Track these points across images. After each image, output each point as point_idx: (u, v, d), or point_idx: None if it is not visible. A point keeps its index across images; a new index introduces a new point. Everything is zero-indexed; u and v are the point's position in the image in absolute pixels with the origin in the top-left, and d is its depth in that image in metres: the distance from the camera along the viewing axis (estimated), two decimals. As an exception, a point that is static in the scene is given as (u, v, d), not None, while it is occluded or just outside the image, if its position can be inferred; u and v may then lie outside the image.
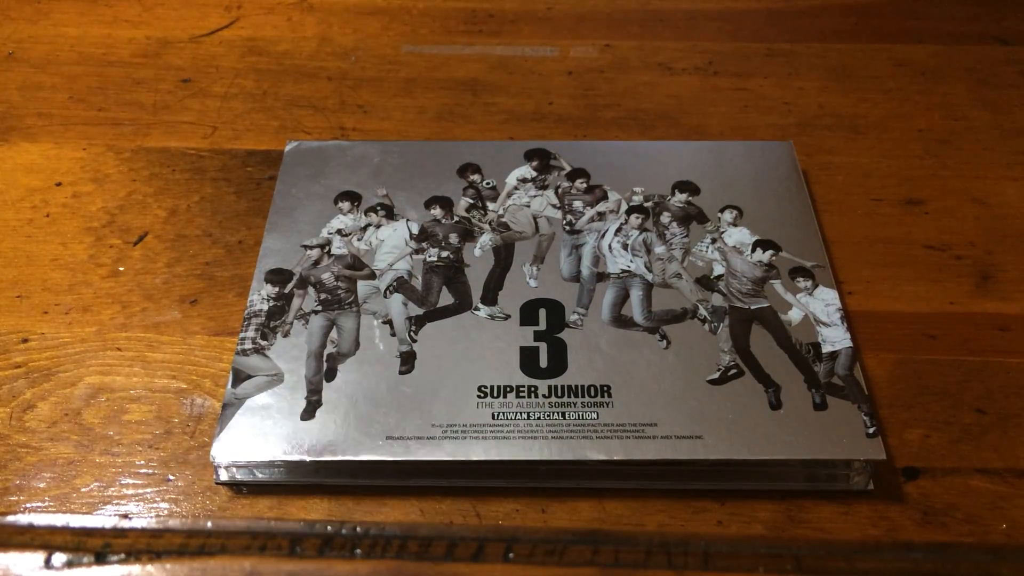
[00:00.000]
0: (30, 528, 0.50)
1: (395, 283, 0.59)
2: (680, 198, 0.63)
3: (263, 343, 0.55)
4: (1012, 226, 0.65)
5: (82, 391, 0.56)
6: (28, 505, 0.51)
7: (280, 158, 0.67)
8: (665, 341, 0.55)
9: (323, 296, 0.58)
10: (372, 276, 0.59)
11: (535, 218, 0.63)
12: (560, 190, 0.64)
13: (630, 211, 0.62)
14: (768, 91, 0.76)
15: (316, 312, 0.57)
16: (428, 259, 0.60)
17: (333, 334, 0.56)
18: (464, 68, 0.79)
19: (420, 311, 0.57)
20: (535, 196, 0.64)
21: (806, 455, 0.50)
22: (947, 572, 0.48)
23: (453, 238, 0.61)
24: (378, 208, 0.63)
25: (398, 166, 0.66)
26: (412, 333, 0.56)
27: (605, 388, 0.53)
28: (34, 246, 0.64)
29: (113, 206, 0.67)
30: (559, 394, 0.52)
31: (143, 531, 0.50)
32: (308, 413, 0.52)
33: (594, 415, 0.51)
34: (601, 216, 0.63)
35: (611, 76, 0.78)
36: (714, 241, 0.61)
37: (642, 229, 0.62)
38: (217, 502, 0.51)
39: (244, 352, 0.55)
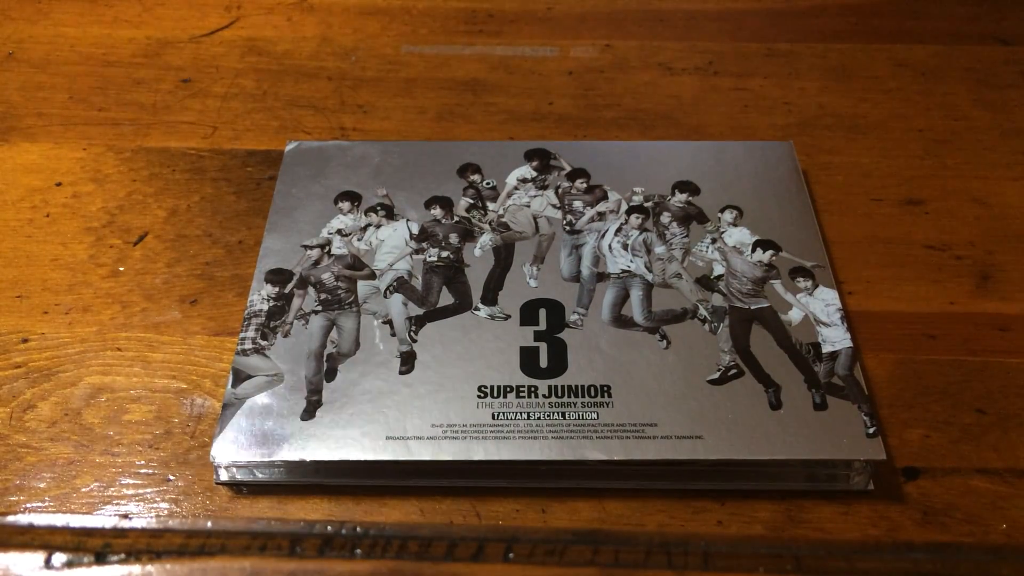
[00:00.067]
0: (30, 528, 0.50)
1: (395, 283, 0.59)
2: (680, 198, 0.63)
3: (263, 343, 0.55)
4: (1012, 226, 0.65)
5: (82, 391, 0.56)
6: (28, 505, 0.51)
7: (280, 158, 0.67)
8: (665, 341, 0.55)
9: (323, 296, 0.58)
10: (372, 276, 0.59)
11: (535, 218, 0.63)
12: (560, 190, 0.64)
13: (630, 211, 0.62)
14: (768, 91, 0.76)
15: (316, 312, 0.57)
16: (428, 259, 0.60)
17: (333, 334, 0.56)
18: (464, 68, 0.79)
19: (420, 311, 0.57)
20: (535, 196, 0.64)
21: (806, 455, 0.50)
22: (947, 572, 0.48)
23: (453, 238, 0.61)
24: (378, 208, 0.63)
25: (398, 166, 0.66)
26: (412, 333, 0.56)
27: (605, 388, 0.53)
28: (34, 246, 0.64)
29: (113, 206, 0.67)
30: (559, 394, 0.52)
31: (143, 531, 0.50)
32: (308, 413, 0.52)
33: (594, 415, 0.51)
34: (601, 216, 0.63)
35: (611, 76, 0.78)
36: (714, 241, 0.61)
37: (642, 229, 0.62)
38: (217, 502, 0.51)
39: (244, 352, 0.55)
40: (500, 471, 0.51)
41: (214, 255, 0.63)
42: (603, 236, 0.61)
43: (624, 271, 0.59)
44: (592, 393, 0.52)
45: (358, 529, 0.49)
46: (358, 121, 0.74)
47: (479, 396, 0.52)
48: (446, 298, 0.58)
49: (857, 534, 0.49)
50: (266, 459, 0.50)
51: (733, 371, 0.54)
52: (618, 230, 0.62)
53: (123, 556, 0.49)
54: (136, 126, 0.73)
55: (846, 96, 0.76)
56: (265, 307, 0.57)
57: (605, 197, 0.64)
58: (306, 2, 0.86)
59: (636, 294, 0.58)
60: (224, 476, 0.51)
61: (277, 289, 0.58)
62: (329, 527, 0.50)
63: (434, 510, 0.50)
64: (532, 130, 0.73)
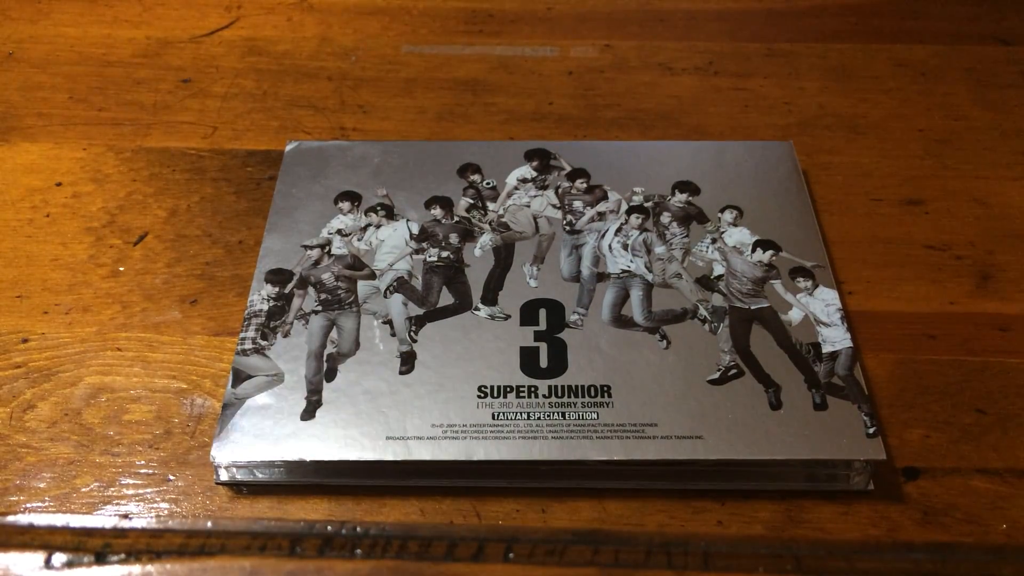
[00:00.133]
0: (30, 528, 0.50)
1: (395, 283, 0.59)
2: (680, 198, 0.63)
3: (263, 343, 0.55)
4: (1012, 226, 0.65)
5: (82, 391, 0.56)
6: (28, 505, 0.51)
7: (280, 158, 0.67)
8: (665, 341, 0.55)
9: (323, 296, 0.58)
10: (372, 276, 0.59)
11: (535, 218, 0.63)
12: (560, 190, 0.64)
13: (630, 211, 0.62)
14: (768, 91, 0.76)
15: (316, 312, 0.57)
16: (428, 259, 0.60)
17: (333, 334, 0.56)
18: (464, 68, 0.79)
19: (420, 311, 0.57)
20: (535, 196, 0.64)
21: (806, 455, 0.50)
22: (947, 572, 0.48)
23: (453, 238, 0.61)
24: (378, 208, 0.63)
25: (398, 166, 0.66)
26: (412, 333, 0.56)
27: (605, 388, 0.53)
28: (34, 246, 0.64)
29: (113, 206, 0.67)
30: (559, 394, 0.52)
31: (143, 531, 0.50)
32: (308, 413, 0.52)
33: (594, 415, 0.51)
34: (601, 216, 0.63)
35: (611, 76, 0.78)
36: (714, 241, 0.61)
37: (642, 229, 0.62)
38: (217, 502, 0.51)
39: (244, 352, 0.55)
40: (500, 471, 0.51)
41: (214, 255, 0.63)
42: (603, 236, 0.61)
43: (624, 271, 0.59)
44: (592, 393, 0.52)
45: (358, 529, 0.49)
46: (358, 121, 0.74)
47: (479, 396, 0.52)
48: (446, 298, 0.58)
49: (857, 534, 0.49)
50: (266, 459, 0.50)
51: (733, 371, 0.54)
52: (618, 230, 0.62)
53: (123, 556, 0.49)
54: (136, 126, 0.73)
55: (846, 96, 0.76)
56: (265, 307, 0.57)
57: (605, 197, 0.64)
58: (306, 2, 0.86)
59: (636, 294, 0.58)
60: (224, 476, 0.51)
61: (277, 289, 0.58)
62: (329, 527, 0.50)
63: (434, 510, 0.50)
64: (532, 130, 0.73)
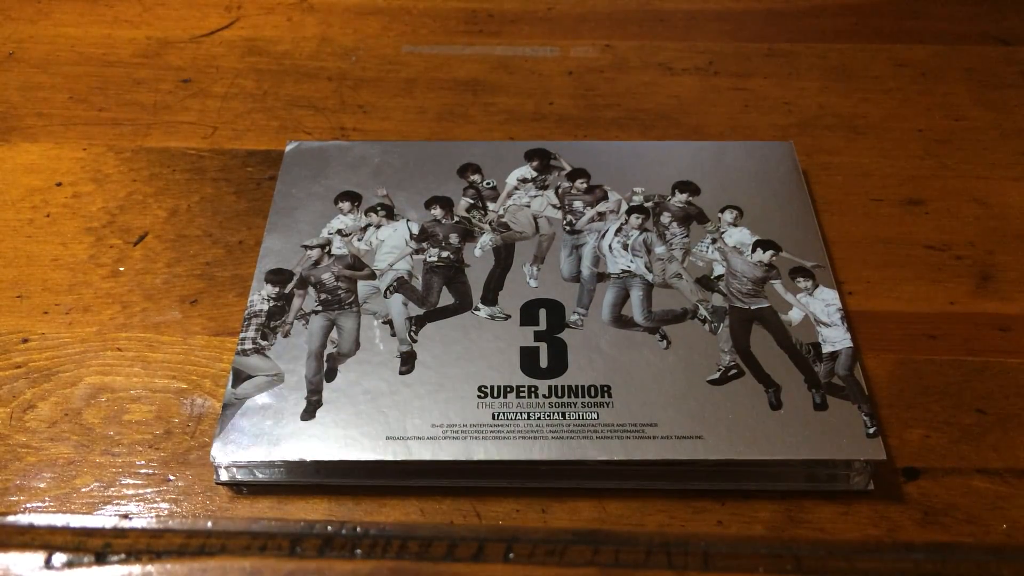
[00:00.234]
0: (30, 528, 0.50)
1: (395, 283, 0.59)
2: (680, 198, 0.63)
3: (263, 343, 0.55)
4: (1012, 226, 0.65)
5: (82, 391, 0.56)
6: (28, 505, 0.51)
7: (280, 158, 0.67)
8: (665, 341, 0.55)
9: (323, 296, 0.58)
10: (372, 276, 0.59)
11: (535, 218, 0.63)
12: (560, 190, 0.64)
13: (630, 211, 0.62)
14: (768, 91, 0.76)
15: (316, 312, 0.57)
16: (428, 259, 0.60)
17: (333, 334, 0.56)
18: (464, 68, 0.79)
19: (420, 311, 0.57)
20: (535, 196, 0.64)
21: (806, 455, 0.50)
22: (947, 572, 0.48)
23: (453, 238, 0.61)
24: (378, 208, 0.63)
25: (398, 166, 0.66)
26: (412, 333, 0.56)
27: (605, 388, 0.53)
28: (34, 246, 0.64)
29: (113, 206, 0.67)
30: (559, 394, 0.52)
31: (143, 531, 0.50)
32: (308, 413, 0.52)
33: (594, 415, 0.51)
34: (601, 216, 0.63)
35: (611, 76, 0.78)
36: (714, 241, 0.61)
37: (642, 229, 0.62)
38: (217, 502, 0.51)
39: (244, 352, 0.55)
40: (500, 471, 0.51)
41: (214, 255, 0.63)
42: (603, 236, 0.61)
43: (624, 271, 0.59)
44: (592, 393, 0.52)
45: (358, 529, 0.49)
46: (358, 121, 0.74)
47: (479, 396, 0.52)
48: (446, 298, 0.58)
49: (857, 534, 0.49)
50: (266, 459, 0.50)
51: (733, 371, 0.54)
52: (618, 230, 0.62)
53: (123, 556, 0.49)
54: (136, 126, 0.73)
55: (846, 96, 0.76)
56: (265, 307, 0.57)
57: (605, 197, 0.64)
58: (306, 2, 0.86)
59: (636, 294, 0.58)
60: (224, 476, 0.51)
61: (277, 289, 0.58)
62: (329, 527, 0.50)
63: (434, 510, 0.50)
64: (532, 130, 0.73)
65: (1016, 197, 0.67)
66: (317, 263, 0.60)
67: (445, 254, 0.60)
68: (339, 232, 0.62)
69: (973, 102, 0.75)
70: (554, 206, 0.64)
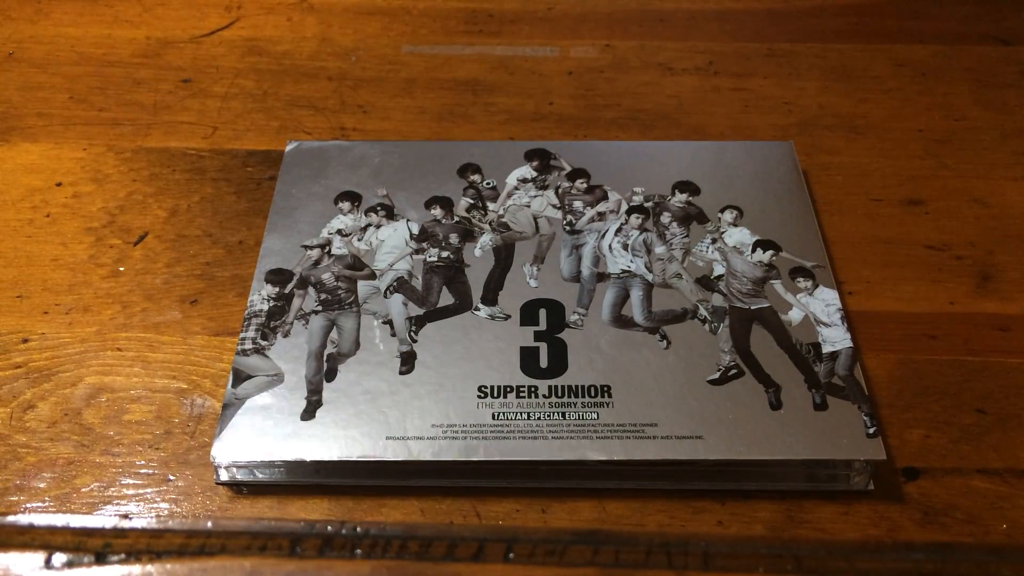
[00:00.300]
0: (30, 528, 0.50)
1: (395, 283, 0.59)
2: (680, 198, 0.63)
3: (263, 343, 0.55)
4: (1012, 226, 0.65)
5: (82, 391, 0.56)
6: (28, 505, 0.51)
7: (280, 158, 0.67)
8: (665, 341, 0.55)
9: (323, 296, 0.58)
10: (372, 276, 0.59)
11: (535, 218, 0.63)
12: (560, 190, 0.64)
13: (630, 211, 0.62)
14: (768, 91, 0.76)
15: (316, 312, 0.57)
16: (428, 259, 0.60)
17: (333, 334, 0.56)
18: (464, 68, 0.79)
19: (420, 311, 0.57)
20: (535, 196, 0.64)
21: (806, 455, 0.50)
22: (947, 572, 0.48)
23: (453, 238, 0.61)
24: (378, 208, 0.63)
25: (398, 166, 0.66)
26: (412, 333, 0.56)
27: (605, 388, 0.53)
28: (34, 246, 0.64)
29: (113, 206, 0.67)
30: (559, 394, 0.52)
31: (143, 531, 0.50)
32: (308, 413, 0.52)
33: (594, 415, 0.51)
34: (601, 216, 0.63)
35: (611, 76, 0.78)
36: (714, 241, 0.61)
37: (642, 229, 0.62)
38: (217, 502, 0.51)
39: (244, 352, 0.55)
40: (500, 471, 0.51)
41: (214, 255, 0.63)
42: (603, 236, 0.61)
43: (624, 271, 0.59)
44: (592, 393, 0.52)
45: (358, 529, 0.49)
46: (358, 121, 0.74)
47: (479, 396, 0.52)
48: (446, 298, 0.58)
49: (857, 534, 0.49)
50: (266, 459, 0.50)
51: (733, 371, 0.54)
52: (618, 230, 0.62)
53: (123, 556, 0.49)
54: (136, 126, 0.73)
55: (846, 96, 0.76)
56: (265, 307, 0.57)
57: (605, 197, 0.64)
58: (306, 2, 0.86)
59: (636, 294, 0.58)
60: (224, 476, 0.51)
61: (277, 289, 0.58)
62: (329, 527, 0.50)
63: (434, 510, 0.50)
64: (532, 130, 0.73)
65: (1016, 197, 0.67)
66: (317, 263, 0.60)
67: (445, 254, 0.60)
68: (339, 232, 0.62)
69: (973, 102, 0.75)
70: (554, 206, 0.64)
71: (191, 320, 0.59)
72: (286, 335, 0.56)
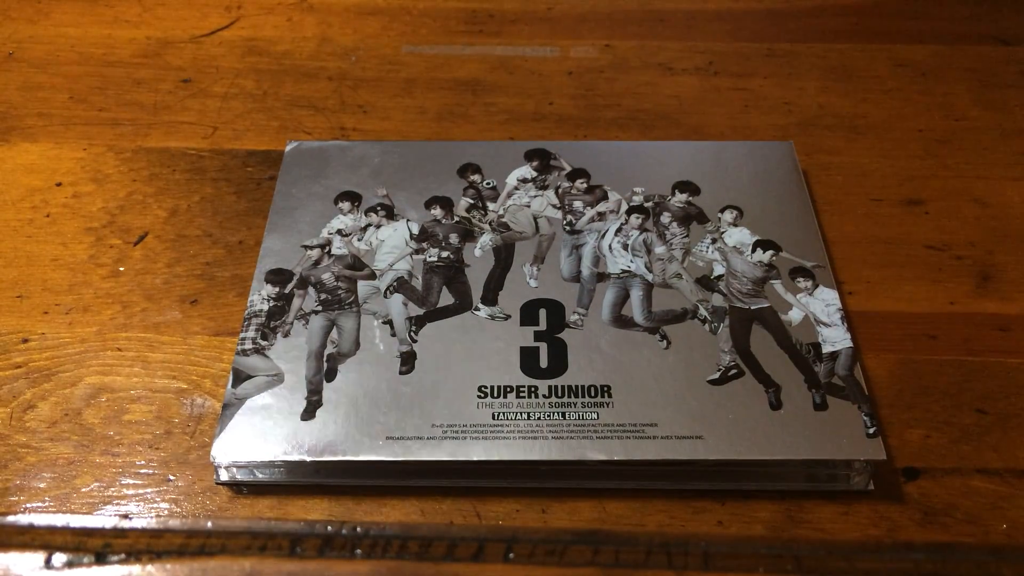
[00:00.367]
0: (30, 528, 0.50)
1: (395, 283, 0.59)
2: (680, 198, 0.63)
3: (263, 343, 0.55)
4: (1012, 226, 0.65)
5: (82, 391, 0.56)
6: (28, 505, 0.51)
7: (280, 158, 0.67)
8: (665, 341, 0.55)
9: (323, 296, 0.58)
10: (372, 276, 0.59)
11: (535, 218, 0.63)
12: (560, 190, 0.64)
13: (630, 211, 0.62)
14: (768, 91, 0.76)
15: (316, 312, 0.57)
16: (428, 259, 0.60)
17: (333, 334, 0.56)
18: (464, 68, 0.79)
19: (420, 311, 0.57)
20: (535, 196, 0.64)
21: (806, 455, 0.50)
22: (947, 572, 0.48)
23: (453, 238, 0.61)
24: (378, 208, 0.63)
25: (398, 166, 0.66)
26: (412, 333, 0.56)
27: (605, 388, 0.53)
28: (34, 246, 0.64)
29: (113, 206, 0.67)
30: (559, 394, 0.52)
31: (143, 531, 0.50)
32: (308, 413, 0.52)
33: (594, 415, 0.51)
34: (601, 216, 0.63)
35: (611, 76, 0.78)
36: (714, 241, 0.61)
37: (642, 229, 0.62)
38: (217, 502, 0.51)
39: (244, 352, 0.55)
40: (500, 471, 0.51)
41: (214, 255, 0.63)
42: (603, 236, 0.61)
43: (624, 271, 0.59)
44: (592, 393, 0.52)
45: (358, 529, 0.49)
46: (358, 121, 0.74)
47: (479, 396, 0.52)
48: (446, 298, 0.58)
49: (857, 534, 0.49)
50: (266, 459, 0.50)
51: (733, 371, 0.54)
52: (618, 230, 0.62)
53: (123, 556, 0.49)
54: (136, 126, 0.73)
55: (846, 96, 0.76)
56: (265, 307, 0.57)
57: (605, 197, 0.64)
58: (306, 2, 0.86)
59: (636, 294, 0.58)
60: (224, 476, 0.51)
61: (277, 289, 0.58)
62: (329, 527, 0.50)
63: (434, 510, 0.50)
64: (532, 130, 0.73)
65: (1016, 197, 0.67)
66: (317, 263, 0.60)
67: (445, 254, 0.60)
68: (339, 232, 0.62)
69: (973, 102, 0.75)
70: (554, 206, 0.64)
71: (191, 320, 0.59)
72: (286, 335, 0.56)
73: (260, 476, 0.51)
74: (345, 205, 0.63)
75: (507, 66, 0.79)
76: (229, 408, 0.52)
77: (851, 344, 0.55)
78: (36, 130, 0.73)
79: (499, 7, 0.85)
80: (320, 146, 0.68)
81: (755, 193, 0.64)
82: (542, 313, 0.57)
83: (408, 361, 0.54)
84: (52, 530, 0.50)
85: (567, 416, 0.51)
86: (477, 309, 0.57)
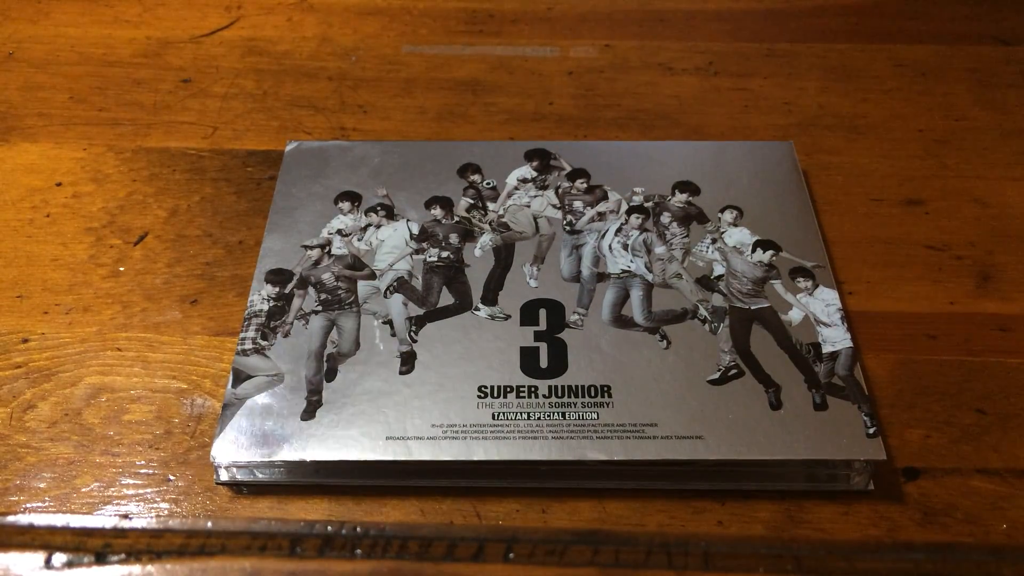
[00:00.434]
0: (30, 528, 0.50)
1: (395, 283, 0.59)
2: (680, 198, 0.63)
3: (263, 343, 0.55)
4: (1012, 226, 0.65)
5: (82, 391, 0.56)
6: (28, 505, 0.51)
7: (280, 158, 0.67)
8: (665, 341, 0.55)
9: (323, 296, 0.58)
10: (372, 276, 0.59)
11: (535, 218, 0.63)
12: (560, 190, 0.64)
13: (630, 211, 0.62)
14: (768, 91, 0.76)
15: (316, 312, 0.57)
16: (428, 259, 0.60)
17: (333, 334, 0.56)
18: (464, 68, 0.79)
19: (420, 311, 0.57)
20: (535, 196, 0.64)
21: (806, 455, 0.50)
22: (947, 572, 0.48)
23: (453, 238, 0.61)
24: (378, 208, 0.63)
25: (398, 166, 0.66)
26: (412, 333, 0.56)
27: (605, 388, 0.53)
28: (34, 246, 0.64)
29: (113, 206, 0.67)
30: (559, 394, 0.52)
31: (143, 531, 0.50)
32: (308, 413, 0.52)
33: (594, 415, 0.51)
34: (601, 216, 0.63)
35: (611, 76, 0.78)
36: (714, 241, 0.61)
37: (642, 229, 0.62)
38: (217, 502, 0.51)
39: (244, 352, 0.55)
40: (500, 471, 0.51)
41: (214, 255, 0.63)
42: (603, 236, 0.61)
43: (624, 271, 0.59)
44: (592, 393, 0.52)
45: (358, 529, 0.49)
46: (358, 121, 0.74)
47: (479, 396, 0.52)
48: (446, 298, 0.58)
49: (857, 534, 0.49)
50: (266, 459, 0.50)
51: (733, 371, 0.54)
52: (618, 230, 0.62)
53: (123, 556, 0.49)
54: (136, 126, 0.73)
55: (846, 96, 0.76)
56: (265, 307, 0.57)
57: (605, 197, 0.64)
58: (306, 2, 0.86)
59: (636, 294, 0.58)
60: (224, 476, 0.51)
61: (277, 289, 0.58)
62: (329, 527, 0.50)
63: (434, 510, 0.50)
64: (532, 130, 0.73)
65: (1016, 197, 0.67)
66: (317, 263, 0.60)
67: (445, 254, 0.60)
68: (339, 232, 0.62)
69: (973, 102, 0.75)
70: (554, 206, 0.64)
71: (191, 320, 0.59)
72: (286, 335, 0.56)
73: (260, 476, 0.51)
74: (345, 205, 0.63)
75: (507, 66, 0.79)
76: (229, 408, 0.52)
77: (851, 344, 0.55)
78: (36, 130, 0.73)
79: (499, 7, 0.85)
80: (320, 146, 0.68)
81: (755, 193, 0.64)
82: (542, 313, 0.57)
83: (408, 361, 0.54)
84: (52, 530, 0.50)
85: (567, 416, 0.51)
86: (477, 309, 0.57)
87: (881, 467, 0.51)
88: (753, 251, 0.60)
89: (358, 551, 0.49)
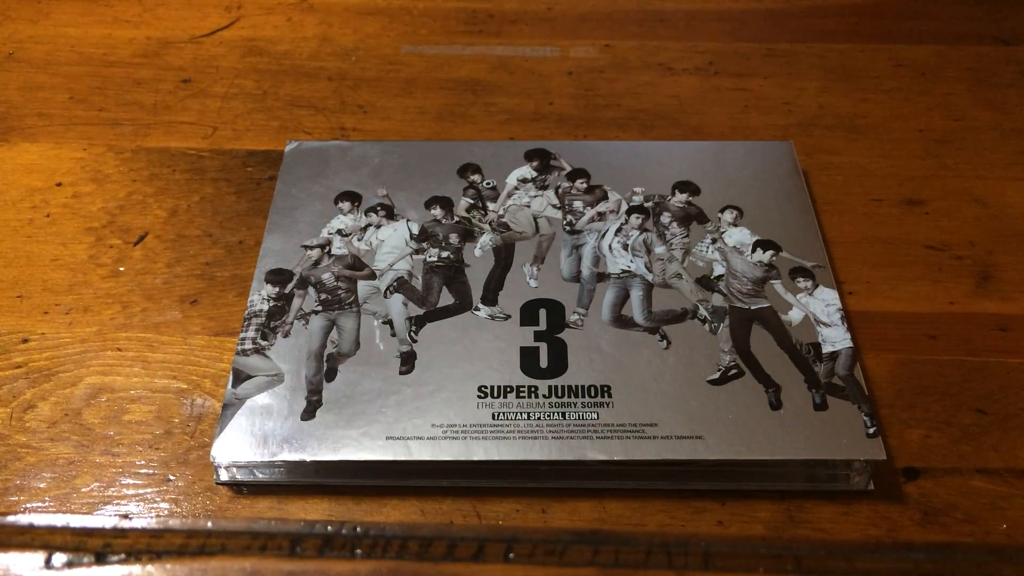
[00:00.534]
0: (30, 528, 0.50)
1: (395, 283, 0.59)
2: (680, 198, 0.63)
3: (263, 343, 0.55)
4: (1012, 226, 0.65)
5: (82, 391, 0.56)
6: (28, 505, 0.51)
7: (280, 158, 0.67)
8: (665, 341, 0.55)
9: (323, 296, 0.58)
10: (372, 276, 0.59)
11: (535, 218, 0.63)
12: (560, 190, 0.64)
13: (630, 211, 0.62)
14: (768, 91, 0.76)
15: (316, 312, 0.57)
16: (428, 259, 0.60)
17: (333, 334, 0.56)
18: (464, 68, 0.79)
19: (420, 311, 0.57)
20: (535, 196, 0.64)
21: (806, 455, 0.50)
22: (947, 572, 0.48)
23: (453, 238, 0.61)
24: (378, 208, 0.63)
25: (398, 166, 0.66)
26: (412, 333, 0.56)
27: (605, 388, 0.53)
28: (34, 246, 0.64)
29: (113, 206, 0.67)
30: (559, 394, 0.52)
31: (143, 531, 0.50)
32: (308, 413, 0.52)
33: (594, 415, 0.51)
34: (601, 216, 0.63)
35: (611, 76, 0.78)
36: (714, 241, 0.61)
37: (642, 229, 0.62)
38: (217, 502, 0.51)
39: (244, 352, 0.55)
40: (500, 471, 0.51)
41: (214, 255, 0.63)
42: (603, 236, 0.61)
43: (624, 271, 0.59)
44: (592, 393, 0.52)
45: (358, 529, 0.49)
46: (358, 121, 0.74)
47: (479, 396, 0.52)
48: (446, 298, 0.58)
49: (857, 534, 0.49)
50: (266, 459, 0.50)
51: (733, 371, 0.54)
52: (618, 230, 0.62)
53: (123, 556, 0.49)
54: (136, 126, 0.73)
55: (846, 96, 0.76)
56: (265, 307, 0.57)
57: (605, 197, 0.64)
58: (306, 2, 0.86)
59: (636, 294, 0.58)
60: (224, 476, 0.51)
61: (277, 289, 0.58)
62: (329, 527, 0.50)
63: (434, 510, 0.50)
64: (532, 130, 0.73)
65: (1016, 197, 0.67)
66: (317, 263, 0.60)
67: (445, 254, 0.60)
68: (339, 232, 0.62)
69: (973, 102, 0.75)
70: (554, 206, 0.64)
71: (191, 320, 0.59)
72: (286, 335, 0.56)
73: (260, 476, 0.51)
74: (345, 205, 0.63)
75: (507, 66, 0.79)
76: (229, 408, 0.52)
77: (851, 344, 0.55)
78: (36, 130, 0.73)
79: (499, 7, 0.85)
80: (320, 146, 0.68)
81: (755, 193, 0.64)
82: (542, 313, 0.57)
83: (408, 361, 0.54)
84: (52, 530, 0.50)
85: (567, 416, 0.51)
86: (477, 309, 0.57)
87: (881, 467, 0.51)
88: (753, 251, 0.60)
89: (358, 551, 0.49)
